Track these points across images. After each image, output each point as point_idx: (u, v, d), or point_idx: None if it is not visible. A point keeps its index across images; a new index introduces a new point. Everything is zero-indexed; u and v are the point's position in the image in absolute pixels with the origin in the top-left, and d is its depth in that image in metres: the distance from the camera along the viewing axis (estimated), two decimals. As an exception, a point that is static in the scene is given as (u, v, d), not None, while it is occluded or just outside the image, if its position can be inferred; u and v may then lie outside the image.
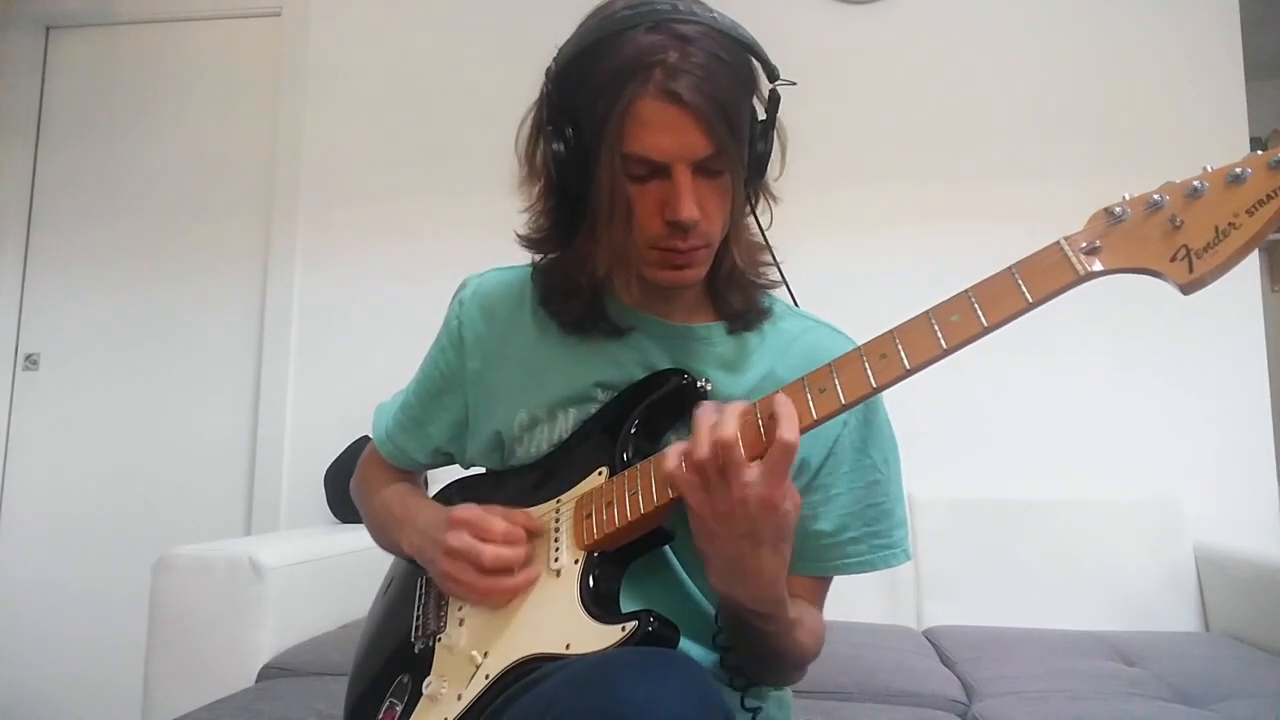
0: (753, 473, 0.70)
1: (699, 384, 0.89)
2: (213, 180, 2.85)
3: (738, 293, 0.94)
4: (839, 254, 2.42)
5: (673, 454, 0.74)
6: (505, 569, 0.83)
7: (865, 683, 1.58)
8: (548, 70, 0.88)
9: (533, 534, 0.87)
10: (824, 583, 0.97)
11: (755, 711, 0.87)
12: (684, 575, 0.89)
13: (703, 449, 0.70)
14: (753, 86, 0.86)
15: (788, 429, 0.69)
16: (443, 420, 1.04)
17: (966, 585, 2.11)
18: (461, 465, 1.08)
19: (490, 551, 0.82)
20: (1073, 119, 2.44)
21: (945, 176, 2.47)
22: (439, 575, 0.88)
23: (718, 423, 0.71)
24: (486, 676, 0.81)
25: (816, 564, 0.94)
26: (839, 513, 0.92)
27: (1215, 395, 2.29)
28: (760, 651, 0.85)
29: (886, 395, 0.86)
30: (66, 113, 2.96)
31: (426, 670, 0.88)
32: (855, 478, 0.93)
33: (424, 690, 0.86)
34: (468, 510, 0.86)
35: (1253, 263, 2.35)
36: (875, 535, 0.94)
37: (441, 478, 1.14)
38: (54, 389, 2.84)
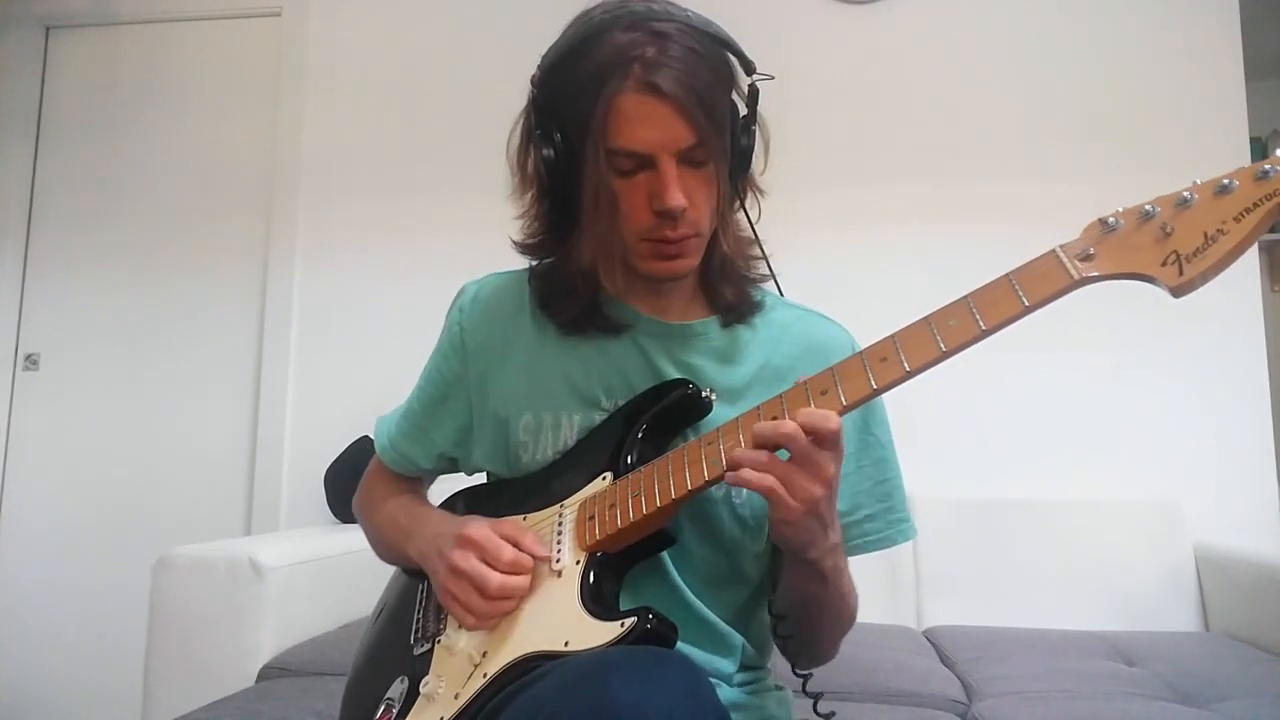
0: (824, 452, 0.74)
1: (704, 394, 0.90)
2: (213, 180, 2.85)
3: (730, 285, 0.95)
4: (838, 253, 2.41)
5: (751, 464, 0.75)
6: (508, 597, 0.82)
7: (865, 683, 1.58)
8: (532, 78, 0.90)
9: (541, 560, 0.85)
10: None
11: (829, 717, 0.88)
12: (681, 583, 0.90)
13: (800, 438, 0.73)
14: (730, 81, 0.89)
15: (821, 422, 0.73)
16: (447, 425, 1.04)
17: (966, 585, 2.11)
18: (465, 472, 1.08)
19: (496, 580, 0.81)
20: (1073, 119, 2.44)
21: (946, 176, 2.47)
22: (439, 590, 0.87)
23: (802, 417, 0.74)
24: (485, 676, 0.81)
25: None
26: (850, 492, 0.93)
27: (1215, 395, 2.29)
28: (823, 606, 0.88)
29: (887, 396, 0.87)
30: (66, 113, 2.96)
31: (425, 672, 0.88)
32: (862, 456, 0.95)
33: (421, 690, 0.87)
34: (478, 531, 0.85)
35: (1253, 263, 2.35)
36: (890, 510, 0.96)
37: (447, 481, 1.14)
38: (54, 389, 2.84)
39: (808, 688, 0.92)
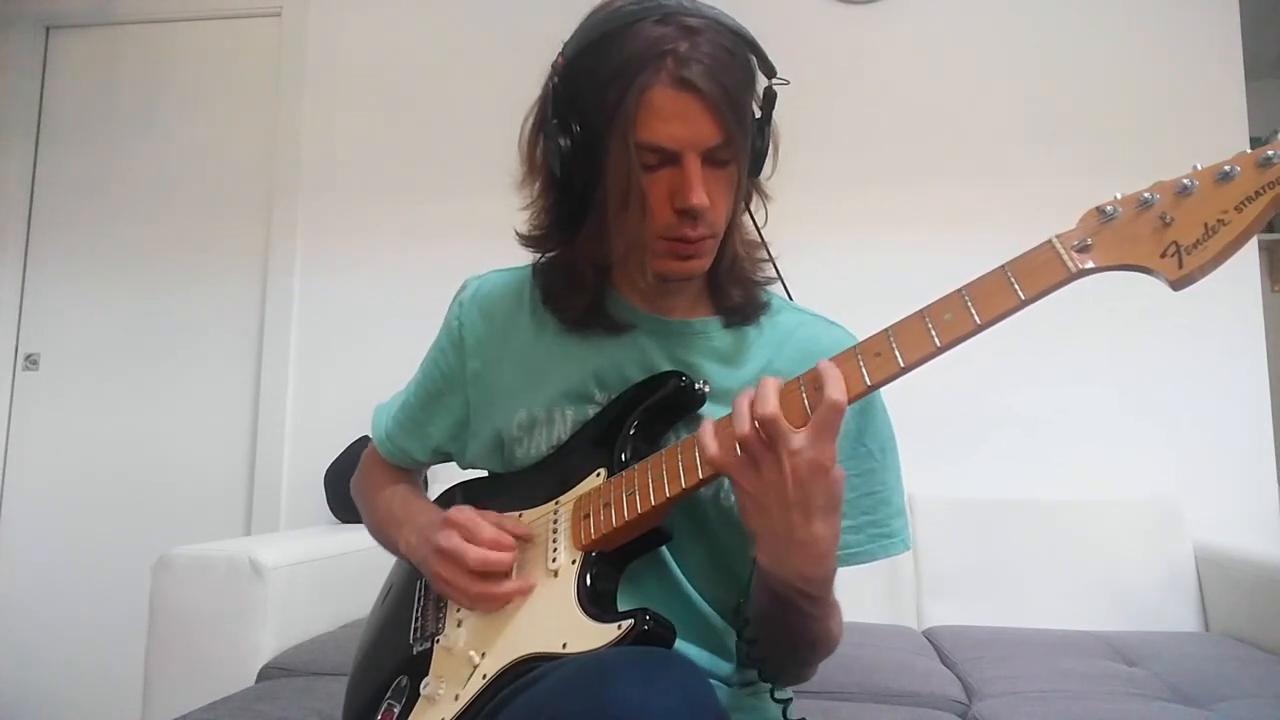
0: (800, 439, 0.70)
1: (697, 385, 0.89)
2: (213, 180, 2.85)
3: (738, 287, 0.94)
4: (838, 254, 2.41)
5: (708, 434, 0.74)
6: (491, 572, 0.84)
7: (865, 683, 1.58)
8: (554, 64, 0.88)
9: (523, 540, 0.87)
10: None
11: (786, 704, 0.87)
12: (682, 578, 0.90)
13: (744, 424, 0.71)
14: (754, 82, 0.87)
15: (834, 389, 0.69)
16: (443, 420, 1.04)
17: (966, 585, 2.11)
18: (460, 466, 1.08)
19: (475, 554, 0.83)
20: (1073, 119, 2.44)
21: (945, 178, 2.47)
22: (431, 576, 0.88)
23: (756, 400, 0.71)
24: (484, 677, 0.81)
25: None
26: None
27: (1215, 395, 2.29)
28: (793, 640, 0.85)
29: (887, 395, 0.86)
30: (66, 113, 2.96)
31: (425, 671, 0.89)
32: (850, 466, 0.91)
33: (421, 691, 0.87)
34: (460, 512, 0.88)
35: (1252, 263, 2.35)
36: (874, 524, 0.93)
37: (443, 478, 1.14)
38: (54, 389, 2.84)
39: (776, 693, 0.90)
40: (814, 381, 0.73)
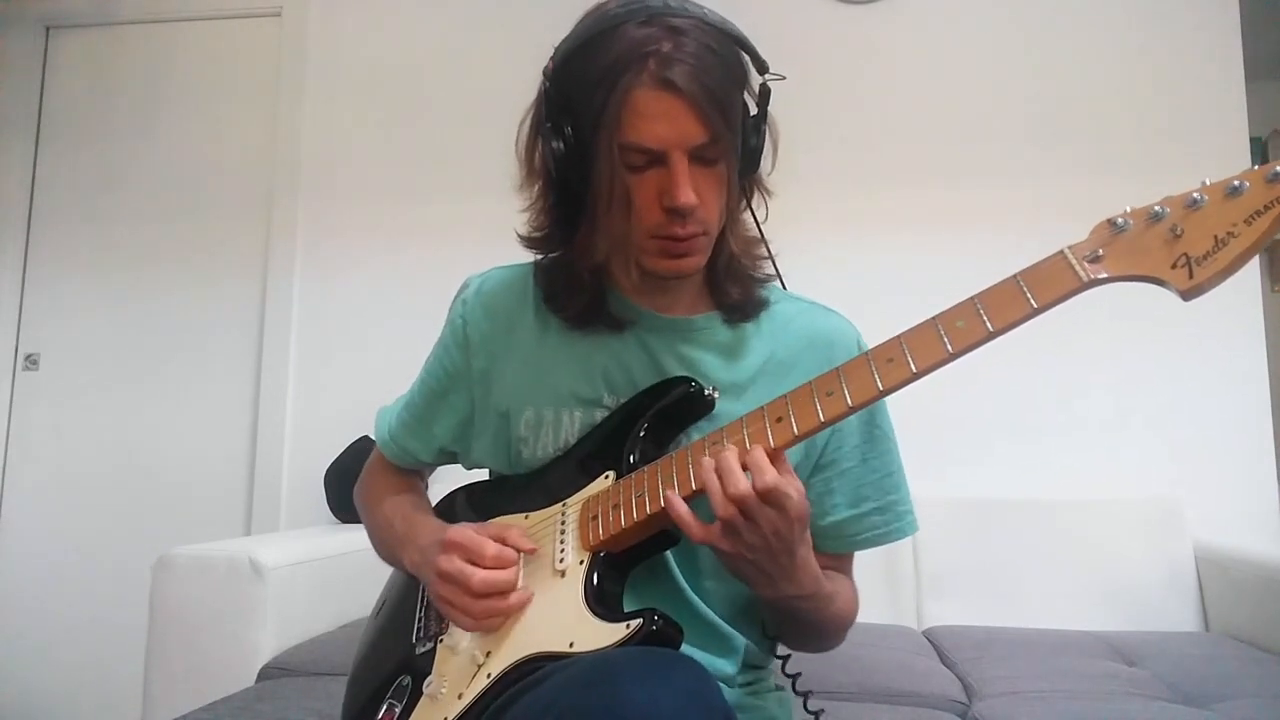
0: (769, 510, 0.73)
1: (706, 391, 0.90)
2: (213, 180, 2.84)
3: (736, 285, 0.95)
4: (838, 254, 2.41)
5: (689, 522, 0.76)
6: (496, 592, 0.82)
7: (865, 683, 1.58)
8: (545, 69, 0.90)
9: (527, 553, 0.86)
10: (850, 555, 1.00)
11: (818, 714, 0.90)
12: (684, 583, 0.90)
13: (727, 508, 0.74)
14: (743, 79, 0.88)
15: (758, 479, 0.73)
16: (448, 419, 1.04)
17: (966, 585, 2.11)
18: (465, 466, 1.08)
19: (479, 576, 0.82)
20: (1073, 119, 2.44)
21: (945, 178, 2.47)
22: (434, 598, 0.87)
23: (725, 481, 0.74)
24: (488, 676, 0.81)
25: (844, 540, 0.96)
26: (854, 484, 0.95)
27: (1215, 395, 2.29)
28: (802, 629, 0.92)
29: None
30: (66, 113, 2.96)
31: (427, 671, 0.89)
32: (868, 449, 0.95)
33: (424, 690, 0.87)
34: (460, 532, 0.85)
35: (1253, 263, 2.34)
36: (898, 503, 0.97)
37: (446, 481, 1.14)
38: (54, 389, 2.84)
39: (797, 686, 0.92)
40: (825, 387, 0.76)
